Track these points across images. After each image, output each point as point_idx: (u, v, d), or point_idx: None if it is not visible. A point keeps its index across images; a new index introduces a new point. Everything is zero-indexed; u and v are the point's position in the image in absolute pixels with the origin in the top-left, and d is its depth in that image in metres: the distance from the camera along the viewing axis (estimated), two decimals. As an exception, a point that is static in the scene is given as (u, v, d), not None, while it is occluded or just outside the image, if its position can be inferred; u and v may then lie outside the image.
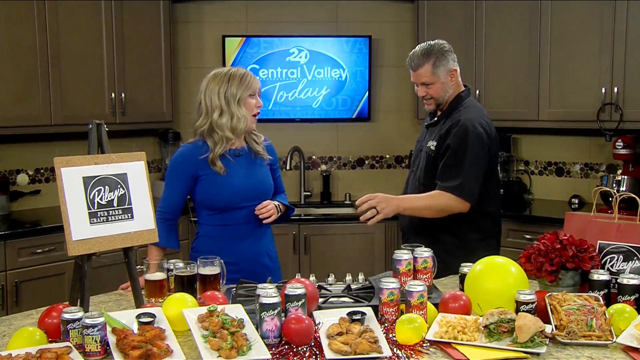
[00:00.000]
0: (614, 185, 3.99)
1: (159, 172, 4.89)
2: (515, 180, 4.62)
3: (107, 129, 2.11)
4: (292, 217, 2.91)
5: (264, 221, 2.66)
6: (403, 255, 2.20)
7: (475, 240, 2.77)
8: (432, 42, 2.81)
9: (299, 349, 1.85)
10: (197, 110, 2.67)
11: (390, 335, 1.93)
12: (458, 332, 1.91)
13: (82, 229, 1.99)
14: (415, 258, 2.22)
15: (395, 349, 1.85)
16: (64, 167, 1.99)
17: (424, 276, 2.21)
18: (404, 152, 5.01)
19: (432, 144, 2.79)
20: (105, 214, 2.05)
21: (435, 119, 2.88)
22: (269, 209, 2.65)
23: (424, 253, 2.23)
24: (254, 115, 2.66)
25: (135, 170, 2.13)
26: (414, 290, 2.00)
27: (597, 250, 2.24)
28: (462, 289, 2.26)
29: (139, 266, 2.29)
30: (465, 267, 2.32)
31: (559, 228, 2.32)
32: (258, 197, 2.67)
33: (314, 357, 1.81)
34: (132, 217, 2.11)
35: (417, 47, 2.83)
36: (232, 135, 2.61)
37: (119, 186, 2.09)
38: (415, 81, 2.84)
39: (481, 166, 2.71)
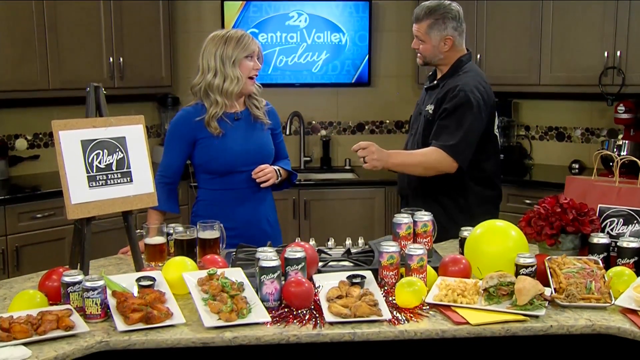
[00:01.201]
0: (615, 150, 3.97)
1: (158, 138, 4.87)
2: (516, 146, 4.60)
3: (105, 93, 2.09)
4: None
5: (262, 185, 2.65)
6: (403, 219, 2.20)
7: (475, 205, 2.76)
8: (444, 3, 2.77)
9: (299, 312, 1.86)
10: (197, 72, 2.65)
11: (390, 299, 1.94)
12: (458, 295, 1.92)
13: (81, 193, 1.99)
14: (415, 222, 2.22)
15: (394, 312, 1.86)
16: (62, 130, 1.97)
17: (424, 240, 2.21)
18: (404, 117, 4.98)
19: (430, 108, 2.77)
20: (104, 177, 2.04)
21: (435, 82, 2.85)
22: (266, 172, 2.64)
23: (424, 217, 2.23)
24: (251, 78, 2.63)
25: (134, 134, 2.12)
26: (414, 254, 2.00)
27: (597, 214, 2.23)
28: (462, 253, 2.26)
29: (138, 230, 2.30)
30: (465, 231, 2.32)
31: (559, 193, 2.31)
32: (257, 162, 2.65)
33: (313, 320, 1.82)
34: (131, 180, 2.10)
35: (428, 1, 2.81)
36: (222, 98, 2.58)
37: (117, 150, 2.08)
38: (413, 32, 2.82)
39: (476, 132, 2.69)
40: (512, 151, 4.53)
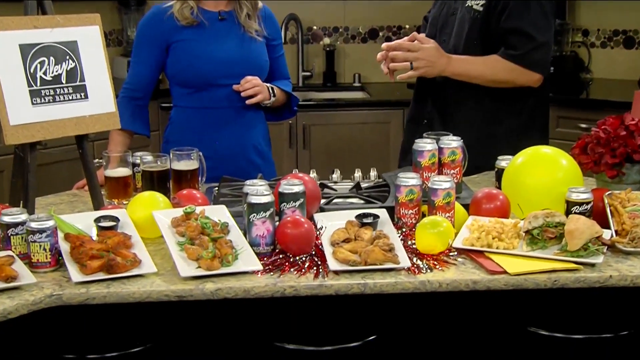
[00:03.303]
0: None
1: (120, 47, 4.82)
2: (570, 55, 4.55)
3: (49, -15, 2.06)
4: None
5: (247, 101, 2.63)
6: (426, 145, 2.19)
7: (516, 127, 2.75)
8: None
9: (297, 258, 1.87)
10: None
11: (409, 243, 1.95)
12: (493, 238, 1.92)
13: (22, 112, 1.97)
14: (440, 149, 2.21)
15: (415, 259, 1.87)
16: (-6, 32, 1.95)
17: (452, 171, 2.20)
18: (429, 21, 4.91)
19: (475, 3, 2.71)
20: (52, 92, 2.02)
21: None
22: (254, 83, 2.62)
23: (452, 142, 2.22)
24: None
25: (88, 38, 2.10)
26: (439, 188, 2.00)
27: (671, 139, 2.21)
28: (498, 187, 2.26)
29: (97, 160, 2.29)
30: (504, 160, 2.31)
31: (623, 113, 2.29)
32: (244, 74, 2.63)
33: (314, 268, 1.83)
34: (86, 96, 2.09)
35: None
36: None
37: (67, 57, 2.06)
38: None
39: (551, 28, 2.67)
40: (564, 62, 4.49)
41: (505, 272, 1.81)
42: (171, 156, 2.29)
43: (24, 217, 1.86)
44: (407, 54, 2.60)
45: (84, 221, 1.96)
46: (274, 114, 2.83)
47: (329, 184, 2.38)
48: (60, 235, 1.88)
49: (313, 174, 2.33)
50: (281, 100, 2.76)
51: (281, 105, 2.79)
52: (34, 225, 1.81)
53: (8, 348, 1.75)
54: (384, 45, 2.66)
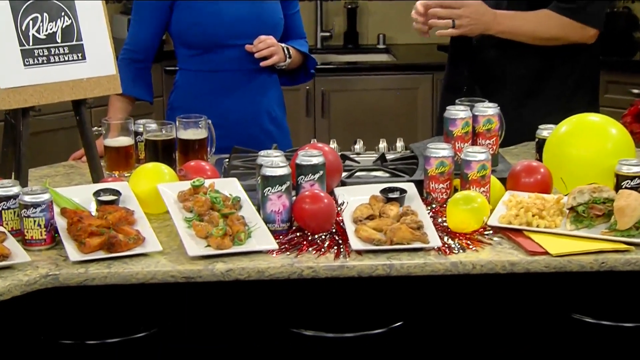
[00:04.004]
0: None
1: (119, 3, 4.82)
2: (622, 12, 4.51)
3: None
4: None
5: (262, 63, 2.63)
6: (459, 112, 2.18)
7: (565, 90, 2.73)
8: None
9: (316, 237, 1.86)
10: None
11: (440, 220, 1.94)
12: (533, 216, 1.91)
13: (13, 74, 1.97)
14: (475, 116, 2.20)
15: (446, 238, 1.86)
16: (-19, -15, 1.95)
17: (488, 141, 2.19)
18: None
19: None
20: (46, 52, 2.02)
21: None
22: (269, 43, 2.61)
23: (488, 110, 2.21)
24: None
25: (85, -8, 2.09)
26: (473, 160, 1.99)
27: None
28: (539, 159, 2.25)
29: (96, 128, 2.30)
30: (545, 130, 2.30)
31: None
32: (256, 34, 2.62)
33: (335, 247, 1.83)
34: (83, 57, 2.09)
35: None
36: None
37: (63, 14, 2.05)
38: None
39: None
40: (615, 20, 4.43)
41: (546, 253, 1.80)
42: (177, 124, 2.29)
43: (16, 189, 1.86)
44: (450, 11, 2.58)
45: (82, 195, 1.96)
46: (289, 77, 2.82)
47: (351, 156, 2.37)
48: (57, 210, 1.88)
49: (333, 145, 2.32)
50: (297, 62, 2.75)
51: (296, 68, 2.78)
52: (27, 198, 1.81)
53: None
54: (421, 3, 2.65)
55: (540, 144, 2.28)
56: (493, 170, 2.08)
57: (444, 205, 1.97)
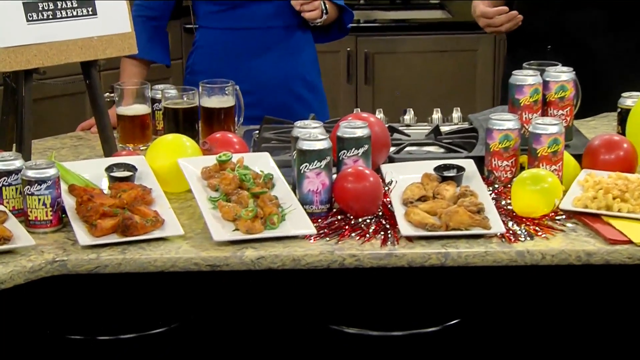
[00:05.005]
0: None
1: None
2: None
3: None
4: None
5: (306, 15, 2.59)
6: (527, 77, 2.16)
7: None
8: None
9: (360, 220, 1.86)
10: None
11: (503, 203, 1.94)
12: (614, 198, 1.90)
13: (14, 31, 1.98)
14: (546, 82, 2.18)
15: (510, 223, 1.85)
16: None
17: (560, 111, 2.18)
18: None
19: None
20: (51, 6, 2.04)
21: None
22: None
23: (561, 74, 2.19)
24: None
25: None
26: (543, 133, 1.98)
27: None
28: (622, 132, 2.23)
29: (107, 94, 2.30)
30: (629, 98, 2.29)
31: None
32: (288, -15, 2.62)
33: (382, 233, 1.82)
34: (94, 13, 2.10)
35: None
36: None
37: (70, -38, 2.06)
38: None
39: None
40: None
41: (629, 241, 1.78)
42: (200, 90, 2.29)
43: (18, 163, 1.87)
44: None
45: (92, 170, 1.97)
46: (321, 33, 2.80)
47: (400, 128, 2.37)
48: (64, 187, 1.89)
49: (380, 115, 2.32)
50: (332, 17, 2.74)
51: (331, 22, 2.76)
52: (31, 174, 1.82)
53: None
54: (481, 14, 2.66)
55: (623, 114, 2.27)
56: (566, 146, 2.07)
57: (509, 186, 1.96)
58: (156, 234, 1.81)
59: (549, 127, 1.98)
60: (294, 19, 2.65)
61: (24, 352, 1.87)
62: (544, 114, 2.18)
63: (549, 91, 2.19)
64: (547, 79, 2.19)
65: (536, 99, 2.16)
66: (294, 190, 1.92)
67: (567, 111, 2.19)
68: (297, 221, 1.84)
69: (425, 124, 2.41)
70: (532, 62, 2.30)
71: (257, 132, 2.35)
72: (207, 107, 2.30)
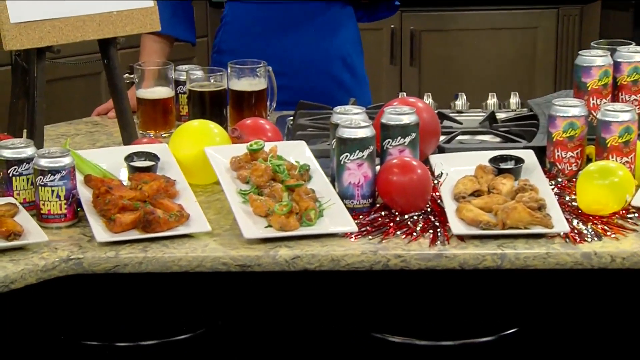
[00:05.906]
0: None
1: None
2: None
3: None
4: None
5: None
6: (595, 58, 2.16)
7: None
8: None
9: (406, 217, 1.86)
10: None
11: (567, 199, 1.93)
12: (695, 194, 1.89)
13: (25, 6, 1.99)
14: (617, 64, 2.18)
15: (575, 222, 1.85)
16: None
17: (634, 97, 2.17)
18: None
19: None
20: (66, -22, 2.04)
21: None
22: None
23: (635, 55, 2.18)
24: None
25: None
26: (614, 120, 1.97)
27: None
28: None
29: (126, 75, 2.32)
30: None
31: None
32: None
33: (431, 231, 1.83)
34: (113, -15, 2.10)
35: None
36: None
37: None
38: None
39: None
40: None
41: None
42: (229, 71, 2.30)
43: (30, 151, 1.88)
44: None
45: (111, 159, 1.98)
46: (366, 10, 2.81)
47: (451, 115, 2.37)
48: (79, 177, 1.90)
49: (428, 100, 2.32)
50: None
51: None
52: (44, 163, 1.83)
53: (9, 328, 1.81)
54: None
55: None
56: None
57: (574, 180, 1.96)
58: (181, 230, 1.82)
59: (620, 114, 1.97)
60: None
61: (36, 359, 1.89)
62: (615, 99, 2.17)
63: (621, 73, 2.18)
64: (619, 59, 2.18)
65: (606, 83, 2.15)
66: (332, 183, 1.92)
67: (640, 96, 2.19)
68: (336, 217, 1.84)
69: (479, 110, 2.42)
70: (600, 40, 2.29)
71: (292, 118, 2.36)
72: (237, 90, 2.30)
